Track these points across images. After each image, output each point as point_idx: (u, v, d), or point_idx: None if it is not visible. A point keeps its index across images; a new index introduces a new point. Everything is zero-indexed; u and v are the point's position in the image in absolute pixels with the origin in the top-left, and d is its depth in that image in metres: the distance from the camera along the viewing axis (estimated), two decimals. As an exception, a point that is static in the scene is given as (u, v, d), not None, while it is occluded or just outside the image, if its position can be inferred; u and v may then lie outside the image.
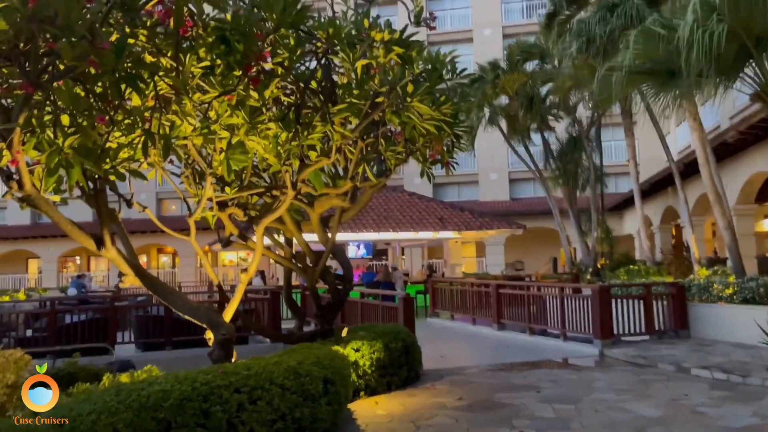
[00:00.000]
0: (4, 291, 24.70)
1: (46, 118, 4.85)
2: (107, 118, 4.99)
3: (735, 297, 10.77)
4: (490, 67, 19.94)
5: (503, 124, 22.65)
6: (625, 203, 26.12)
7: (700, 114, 21.39)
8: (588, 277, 19.24)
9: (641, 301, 11.26)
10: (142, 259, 40.51)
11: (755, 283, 10.59)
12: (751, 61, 6.86)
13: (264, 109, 5.33)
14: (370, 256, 22.95)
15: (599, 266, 20.51)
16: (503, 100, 22.09)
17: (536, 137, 23.30)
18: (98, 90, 4.81)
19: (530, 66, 20.62)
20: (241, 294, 6.78)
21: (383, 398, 7.51)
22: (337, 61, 5.70)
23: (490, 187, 36.08)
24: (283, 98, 6.20)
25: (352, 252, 21.98)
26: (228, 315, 6.72)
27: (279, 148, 5.66)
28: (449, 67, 7.07)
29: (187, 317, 6.25)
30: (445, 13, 38.09)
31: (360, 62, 5.40)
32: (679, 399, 6.93)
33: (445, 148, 7.47)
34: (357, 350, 7.65)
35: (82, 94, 4.94)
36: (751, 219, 17.17)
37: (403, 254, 29.45)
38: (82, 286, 18.06)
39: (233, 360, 6.37)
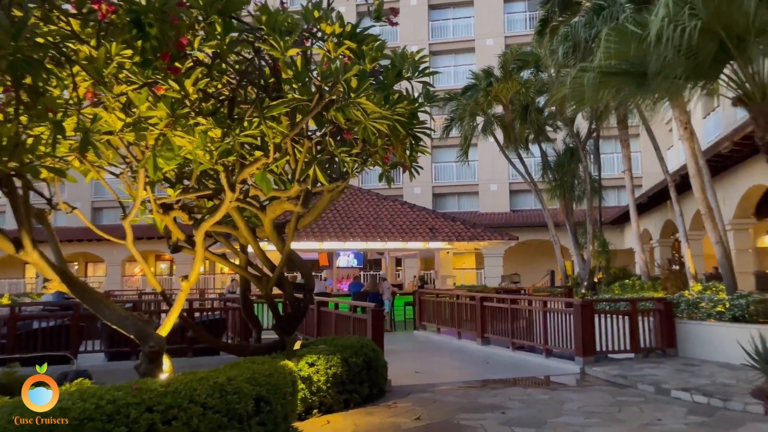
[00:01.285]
0: (-8, 295, 24.32)
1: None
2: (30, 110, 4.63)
3: (725, 314, 10.23)
4: (484, 74, 19.52)
5: (500, 134, 22.24)
6: (625, 216, 25.56)
7: (702, 126, 20.99)
8: (583, 291, 18.68)
9: (627, 318, 10.75)
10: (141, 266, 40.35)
11: (744, 300, 10.05)
12: (732, 62, 6.41)
13: (188, 102, 4.91)
14: (361, 266, 22.50)
15: (596, 280, 19.93)
16: (499, 109, 21.70)
17: (536, 148, 22.85)
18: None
19: (526, 74, 20.17)
20: (182, 303, 6.34)
21: (338, 417, 7.04)
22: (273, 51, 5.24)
23: (491, 199, 35.61)
24: (224, 92, 5.79)
25: (342, 262, 21.56)
26: (167, 325, 6.30)
27: (210, 145, 5.24)
28: (411, 66, 6.68)
29: (115, 327, 5.82)
30: (447, 22, 37.87)
31: (291, 51, 4.98)
32: (651, 424, 6.42)
33: (407, 152, 7.04)
34: (312, 365, 7.21)
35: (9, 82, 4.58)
36: (749, 233, 16.60)
37: (399, 265, 29.00)
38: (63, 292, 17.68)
39: (168, 374, 5.94)
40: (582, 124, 20.93)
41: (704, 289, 12.15)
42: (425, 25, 37.37)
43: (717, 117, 20.22)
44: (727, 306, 10.26)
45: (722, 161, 14.83)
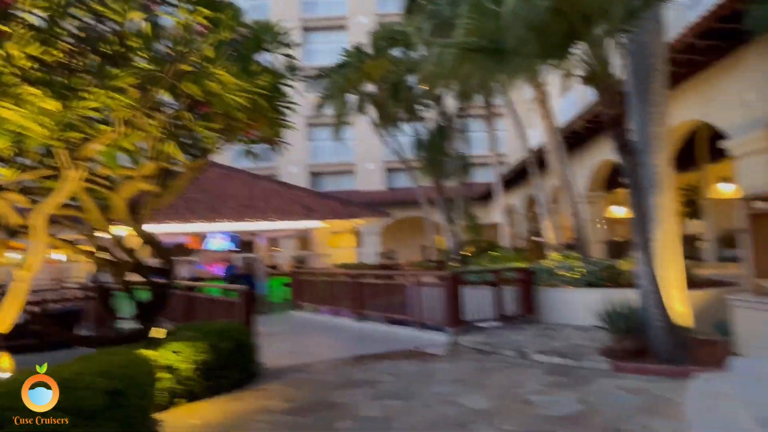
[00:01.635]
0: None
1: None
2: None
3: (580, 281, 11.01)
4: (355, 52, 19.45)
5: (375, 113, 22.34)
6: (493, 192, 26.83)
7: (560, 105, 22.38)
8: (453, 264, 19.39)
9: (493, 288, 11.27)
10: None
11: (596, 267, 10.89)
12: (581, 42, 6.79)
13: (13, 69, 4.37)
14: (236, 249, 21.83)
15: (466, 254, 20.79)
16: (373, 88, 21.74)
17: (409, 127, 23.19)
18: None
19: (397, 53, 20.31)
20: (22, 294, 5.73)
21: (205, 404, 6.76)
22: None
23: (367, 177, 35.96)
24: (62, 59, 5.22)
25: (215, 244, 20.79)
26: (5, 319, 5.67)
27: (45, 118, 4.71)
28: (272, 38, 6.45)
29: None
30: (320, -1, 37.35)
31: (133, 14, 4.58)
32: (513, 387, 6.75)
33: (272, 128, 6.81)
34: (177, 353, 6.86)
35: None
36: (601, 205, 18.01)
37: (276, 246, 28.53)
38: None
39: (7, 373, 5.36)
40: (452, 103, 21.53)
41: (563, 257, 13.02)
42: (296, 0, 36.63)
43: (574, 96, 21.63)
44: (581, 273, 11.06)
45: (577, 138, 15.90)
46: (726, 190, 15.11)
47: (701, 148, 15.81)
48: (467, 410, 5.90)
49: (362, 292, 13.27)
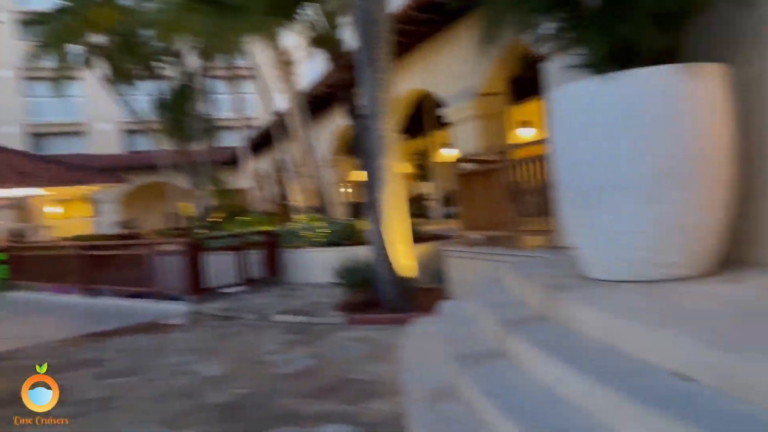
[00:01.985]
0: None
1: None
2: None
3: (323, 241, 11.42)
4: (78, -5, 17.21)
5: (107, 68, 20.14)
6: (242, 155, 26.37)
7: (309, 69, 22.68)
8: (199, 231, 18.72)
9: (237, 252, 11.13)
10: None
11: (338, 227, 11.39)
12: (310, 3, 6.86)
13: None
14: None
15: (215, 220, 20.20)
16: (103, 39, 19.54)
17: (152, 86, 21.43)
18: None
19: (128, 1, 18.44)
20: None
21: None
22: None
23: (102, 139, 32.73)
24: None
25: None
26: None
27: None
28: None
29: None
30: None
31: None
32: (250, 350, 6.75)
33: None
34: None
35: None
36: (344, 168, 18.87)
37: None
38: None
39: None
40: (195, 62, 20.44)
41: (308, 220, 13.37)
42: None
43: (320, 61, 22.05)
44: (324, 233, 11.46)
45: (320, 102, 16.29)
46: (448, 154, 16.87)
47: (429, 116, 17.38)
48: (199, 378, 5.72)
49: (95, 265, 12.15)
